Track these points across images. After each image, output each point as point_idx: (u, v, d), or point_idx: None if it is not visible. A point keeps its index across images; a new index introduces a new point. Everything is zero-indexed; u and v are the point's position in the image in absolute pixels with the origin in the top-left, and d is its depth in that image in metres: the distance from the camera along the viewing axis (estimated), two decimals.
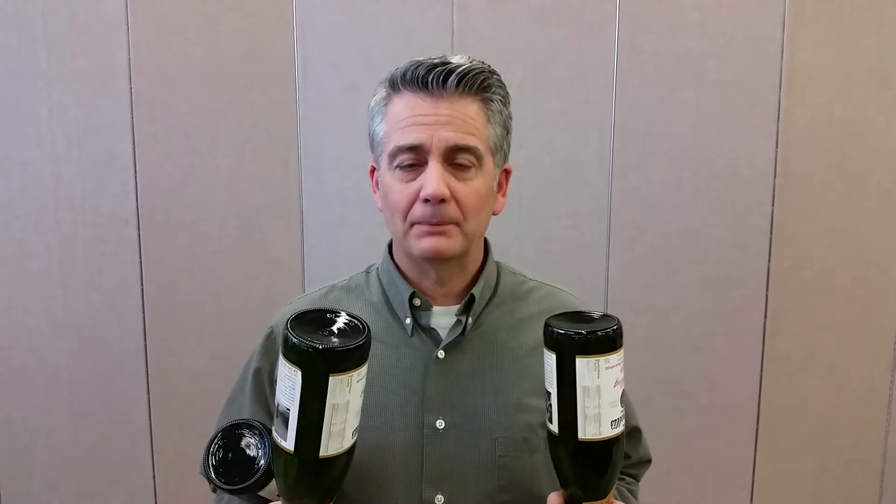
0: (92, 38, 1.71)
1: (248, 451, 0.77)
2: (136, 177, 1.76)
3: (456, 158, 0.80)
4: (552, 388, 0.74)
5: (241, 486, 0.75)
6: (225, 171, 1.76)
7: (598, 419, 0.72)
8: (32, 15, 1.70)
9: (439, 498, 0.84)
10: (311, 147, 1.75)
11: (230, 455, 0.78)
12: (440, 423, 0.84)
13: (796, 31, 1.67)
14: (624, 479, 1.00)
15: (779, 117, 1.70)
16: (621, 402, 0.74)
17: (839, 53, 1.68)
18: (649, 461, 1.04)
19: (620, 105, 1.71)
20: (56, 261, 1.78)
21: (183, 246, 1.78)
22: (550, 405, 0.75)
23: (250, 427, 0.79)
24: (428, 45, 1.67)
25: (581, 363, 0.71)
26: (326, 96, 1.73)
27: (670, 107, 1.71)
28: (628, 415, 0.99)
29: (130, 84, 1.72)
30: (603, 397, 0.72)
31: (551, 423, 0.75)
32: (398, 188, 0.82)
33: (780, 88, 1.69)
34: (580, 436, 0.72)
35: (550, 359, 0.74)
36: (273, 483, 0.76)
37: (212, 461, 0.78)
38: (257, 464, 0.76)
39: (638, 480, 1.03)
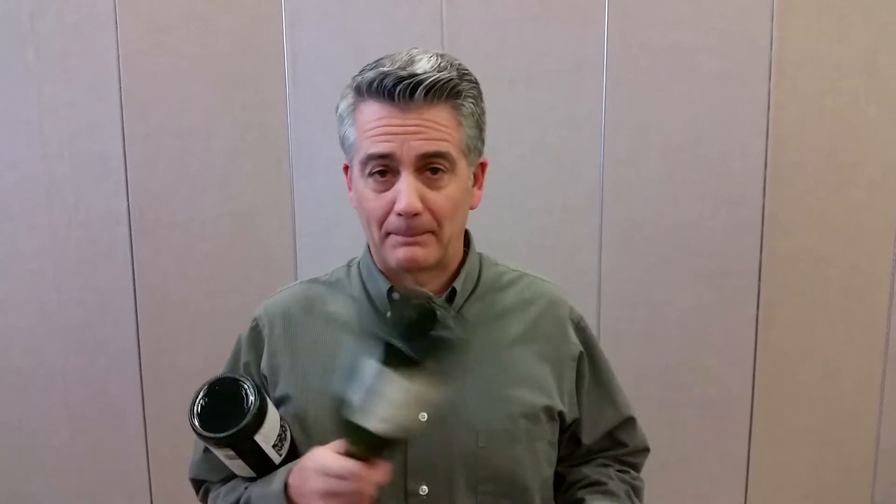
0: (81, 38, 1.71)
1: (234, 399, 0.80)
2: (126, 176, 1.76)
3: (429, 165, 0.80)
4: None
5: (236, 428, 0.77)
6: (216, 170, 1.76)
7: None
8: (21, 14, 1.70)
9: (423, 489, 0.84)
10: (303, 145, 1.75)
11: (215, 407, 0.80)
12: (423, 416, 0.84)
13: (786, 23, 1.67)
14: (629, 472, 0.99)
15: (769, 109, 1.69)
16: None
17: (829, 45, 1.68)
18: (647, 449, 1.04)
19: (611, 99, 1.71)
20: (49, 261, 1.78)
21: (175, 245, 1.78)
22: None
23: (234, 380, 0.81)
24: (418, 40, 1.66)
25: None
26: (317, 93, 1.73)
27: (661, 100, 1.70)
28: (622, 405, 0.99)
29: (120, 83, 1.72)
30: None
31: None
32: (372, 198, 0.81)
33: (770, 80, 1.68)
34: None
35: None
36: (268, 424, 0.78)
37: (196, 420, 0.80)
38: (247, 404, 0.78)
39: (638, 471, 1.03)
